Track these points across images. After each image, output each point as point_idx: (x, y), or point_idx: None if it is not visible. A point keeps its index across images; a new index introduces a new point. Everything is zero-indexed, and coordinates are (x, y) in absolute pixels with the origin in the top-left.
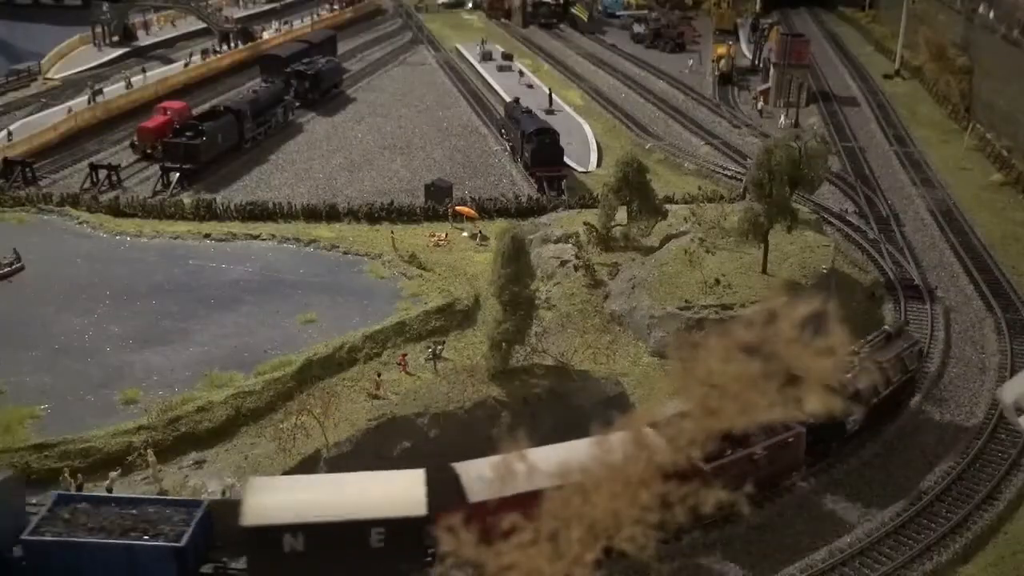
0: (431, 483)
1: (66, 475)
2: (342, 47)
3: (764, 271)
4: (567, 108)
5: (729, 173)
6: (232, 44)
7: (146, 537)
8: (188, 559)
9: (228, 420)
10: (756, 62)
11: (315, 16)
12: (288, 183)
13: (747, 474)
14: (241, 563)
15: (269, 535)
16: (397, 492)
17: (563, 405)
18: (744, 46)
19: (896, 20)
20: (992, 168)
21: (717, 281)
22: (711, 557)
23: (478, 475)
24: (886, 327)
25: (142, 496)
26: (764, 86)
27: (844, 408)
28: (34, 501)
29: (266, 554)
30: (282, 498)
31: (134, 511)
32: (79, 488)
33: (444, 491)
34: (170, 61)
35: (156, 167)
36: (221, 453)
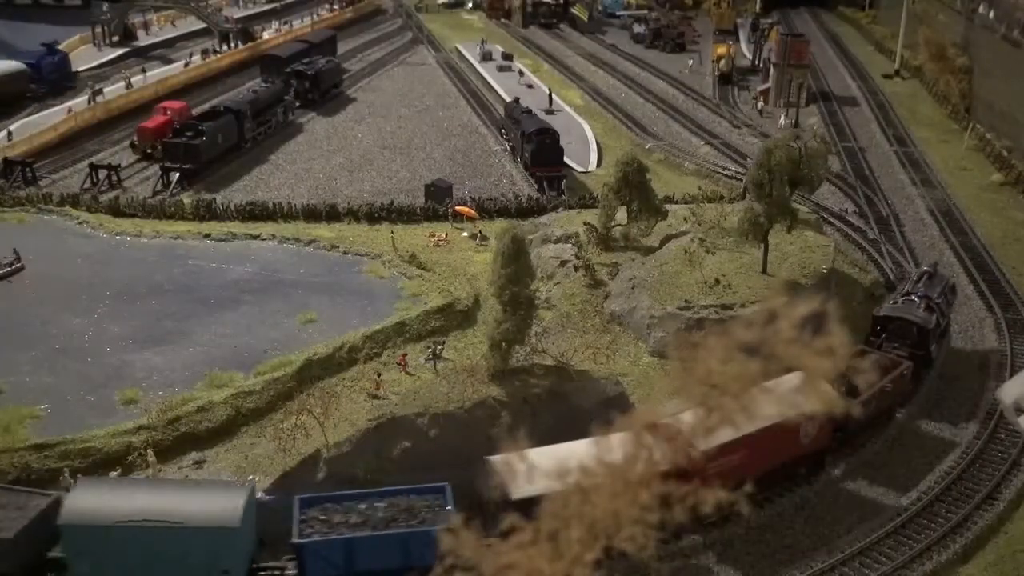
0: None
1: (66, 475)
2: (342, 47)
3: (764, 271)
4: (567, 108)
5: (729, 173)
6: (232, 44)
7: (415, 523)
8: None
9: (228, 420)
10: (756, 62)
11: (315, 16)
12: (288, 183)
13: (881, 403)
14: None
15: (532, 505)
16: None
17: (563, 405)
18: (744, 46)
19: (896, 20)
20: (992, 168)
21: (717, 281)
22: (711, 557)
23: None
24: (925, 267)
25: (380, 489)
26: (764, 86)
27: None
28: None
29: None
30: (530, 469)
31: (382, 503)
32: None
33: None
34: (170, 61)
35: (156, 167)
36: (221, 453)
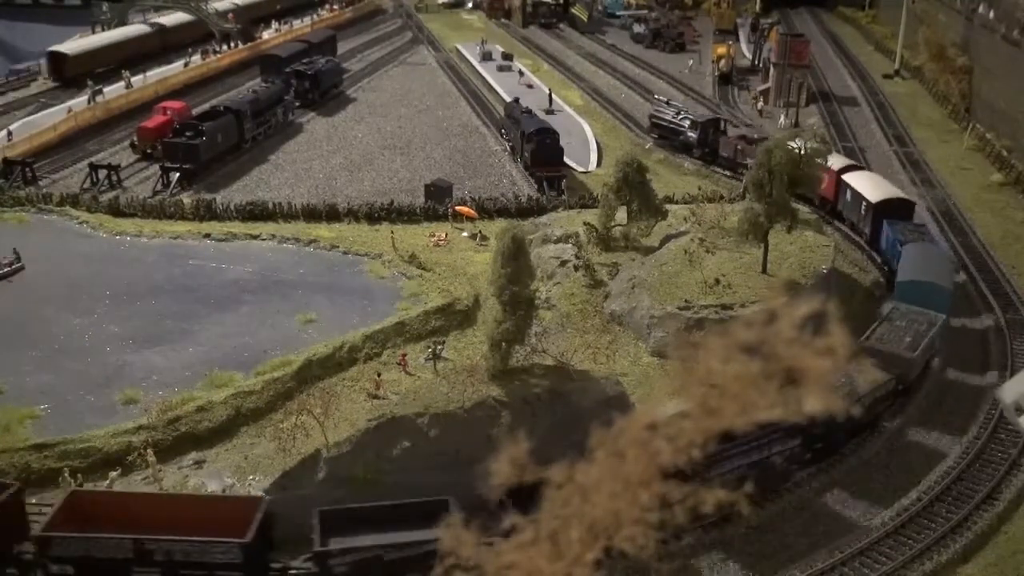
0: None
1: (66, 475)
2: (342, 47)
3: (764, 271)
4: (567, 108)
5: (729, 173)
6: (232, 44)
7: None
8: None
9: (228, 420)
10: (756, 62)
11: (315, 16)
12: (288, 183)
13: None
14: None
15: None
16: None
17: (563, 405)
18: (744, 46)
19: (896, 20)
20: (992, 168)
21: (717, 281)
22: (711, 557)
23: None
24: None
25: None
26: (764, 86)
27: None
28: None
29: None
30: None
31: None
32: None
33: None
34: (170, 61)
35: (156, 167)
36: (221, 453)
